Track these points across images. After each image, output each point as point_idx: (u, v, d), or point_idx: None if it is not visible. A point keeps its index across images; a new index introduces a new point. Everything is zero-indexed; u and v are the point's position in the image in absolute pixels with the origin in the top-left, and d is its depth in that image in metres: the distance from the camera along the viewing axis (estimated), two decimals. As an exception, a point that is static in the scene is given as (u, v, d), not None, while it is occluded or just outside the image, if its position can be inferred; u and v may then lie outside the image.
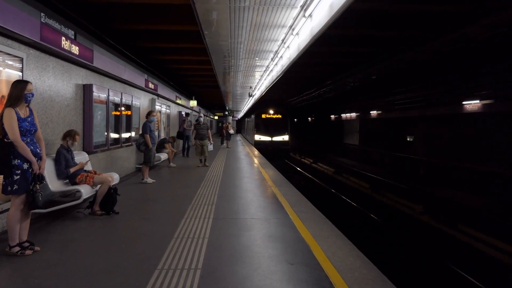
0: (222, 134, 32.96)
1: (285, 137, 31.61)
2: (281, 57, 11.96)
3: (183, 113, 22.78)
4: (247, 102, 34.83)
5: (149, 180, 10.15)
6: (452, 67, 15.99)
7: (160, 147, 14.46)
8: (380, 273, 4.24)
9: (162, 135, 16.83)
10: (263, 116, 32.24)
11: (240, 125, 71.58)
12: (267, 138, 31.13)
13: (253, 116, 34.88)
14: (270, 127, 31.33)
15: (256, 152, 23.70)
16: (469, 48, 12.10)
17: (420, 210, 13.70)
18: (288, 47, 10.41)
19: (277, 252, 4.90)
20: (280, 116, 32.21)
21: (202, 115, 15.35)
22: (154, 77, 15.54)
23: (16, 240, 4.57)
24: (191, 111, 26.71)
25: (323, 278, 4.03)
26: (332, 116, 43.15)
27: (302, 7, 7.31)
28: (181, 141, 18.74)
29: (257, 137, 31.56)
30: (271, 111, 32.16)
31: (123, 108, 11.04)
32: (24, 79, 5.61)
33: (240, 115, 61.47)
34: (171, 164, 14.27)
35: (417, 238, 10.92)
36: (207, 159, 14.60)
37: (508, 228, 10.80)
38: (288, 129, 31.99)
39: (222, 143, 29.94)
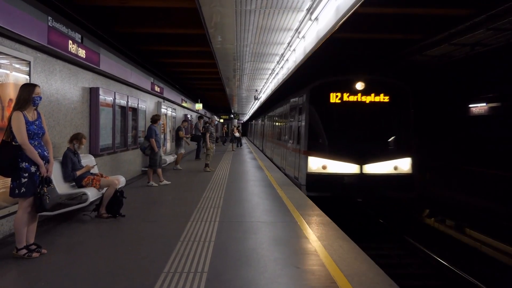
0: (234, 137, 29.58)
1: (403, 164, 10.38)
2: (286, 60, 11.96)
3: (189, 115, 22.80)
4: (252, 105, 34.38)
5: (154, 183, 10.16)
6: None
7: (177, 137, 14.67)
8: (387, 277, 4.21)
9: (168, 138, 16.85)
10: (335, 98, 10.57)
11: (247, 128, 63.00)
12: (349, 168, 10.12)
13: (293, 101, 13.65)
14: (355, 134, 10.52)
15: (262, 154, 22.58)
16: None
17: None
18: (294, 50, 10.40)
19: (284, 255, 4.88)
20: (388, 100, 10.62)
21: (216, 118, 15.22)
22: (160, 80, 15.60)
23: (23, 243, 4.58)
24: (197, 114, 26.79)
25: (329, 282, 4.01)
26: None
27: (308, 10, 7.31)
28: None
29: (315, 162, 10.41)
30: (360, 85, 10.50)
31: (129, 111, 11.08)
32: (32, 82, 5.64)
33: (246, 117, 59.93)
34: (178, 166, 14.29)
35: None
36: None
37: None
38: (411, 138, 10.89)
39: (237, 145, 29.42)
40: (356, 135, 10.34)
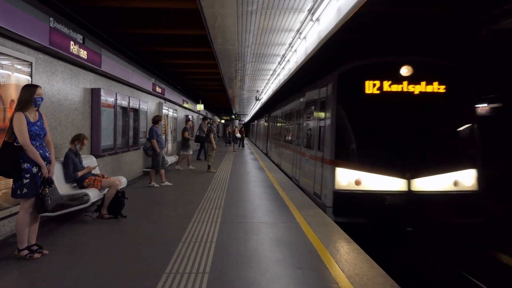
0: (242, 137, 30.97)
1: (465, 177, 7.61)
2: (288, 60, 11.97)
3: (190, 116, 22.79)
4: (253, 105, 34.41)
5: (156, 184, 10.16)
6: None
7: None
8: (388, 277, 4.21)
9: (170, 139, 16.85)
10: (372, 87, 7.82)
11: (248, 128, 60.23)
12: (392, 184, 7.45)
13: (311, 94, 10.60)
14: (400, 137, 7.77)
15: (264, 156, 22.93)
16: None
17: None
18: (295, 50, 10.41)
19: (285, 256, 4.88)
20: (444, 90, 7.83)
21: (217, 119, 15.11)
22: (161, 81, 15.62)
23: (25, 244, 4.59)
24: (199, 115, 26.83)
25: (331, 283, 4.00)
26: None
27: (309, 11, 7.31)
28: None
29: (346, 176, 7.62)
30: (406, 70, 7.78)
31: (130, 112, 11.10)
32: (33, 83, 5.65)
33: (247, 118, 59.73)
34: (190, 166, 14.39)
35: None
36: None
37: None
38: (475, 142, 7.92)
39: (239, 145, 30.25)
40: (401, 138, 7.70)
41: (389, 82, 7.74)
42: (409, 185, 7.35)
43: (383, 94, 7.72)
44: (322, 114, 8.93)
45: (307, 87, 11.27)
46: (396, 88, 7.76)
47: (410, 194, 7.32)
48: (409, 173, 7.36)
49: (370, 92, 7.74)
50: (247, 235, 5.77)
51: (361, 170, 7.47)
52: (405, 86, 7.75)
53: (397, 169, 7.37)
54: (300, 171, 11.20)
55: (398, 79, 7.75)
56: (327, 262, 4.60)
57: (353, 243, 5.49)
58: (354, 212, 7.43)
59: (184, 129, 14.62)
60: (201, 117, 27.52)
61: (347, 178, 7.53)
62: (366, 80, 7.74)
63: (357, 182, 7.46)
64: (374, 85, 7.74)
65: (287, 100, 15.95)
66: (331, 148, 7.92)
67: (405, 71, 7.75)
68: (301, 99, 11.93)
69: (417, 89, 7.76)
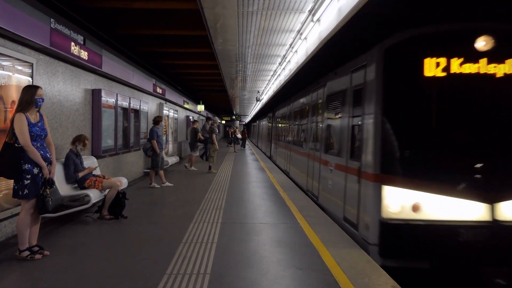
0: (244, 138, 32.29)
1: None
2: (289, 61, 11.96)
3: (190, 117, 22.80)
4: (254, 106, 34.44)
5: (156, 185, 10.16)
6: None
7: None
8: (390, 278, 4.21)
9: (170, 140, 16.85)
10: (434, 67, 5.23)
11: (249, 129, 57.30)
12: (468, 210, 4.99)
13: (337, 82, 7.54)
14: (478, 141, 5.18)
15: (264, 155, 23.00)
16: None
17: None
18: (296, 51, 10.41)
19: (286, 257, 4.88)
20: None
21: (217, 119, 15.10)
22: (162, 82, 15.62)
23: (26, 244, 4.59)
24: (198, 115, 26.85)
25: (332, 284, 4.00)
26: None
27: (310, 11, 7.31)
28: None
29: (398, 198, 5.10)
30: (485, 42, 5.19)
31: (131, 113, 11.09)
32: (34, 84, 5.65)
33: (248, 119, 59.40)
34: (193, 168, 14.40)
35: None
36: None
37: None
38: None
39: (241, 145, 31.32)
40: (479, 142, 5.25)
41: (460, 60, 5.33)
42: (493, 211, 5.04)
43: (451, 78, 5.31)
44: (356, 109, 6.29)
45: (329, 74, 8.41)
46: (469, 68, 5.34)
47: (495, 226, 5.01)
48: (493, 195, 5.06)
49: (431, 74, 5.33)
50: (248, 236, 5.77)
51: (420, 190, 5.14)
52: (482, 66, 5.33)
53: (475, 188, 5.08)
54: (320, 184, 8.44)
55: (473, 56, 5.34)
56: (328, 263, 4.59)
57: (354, 244, 5.48)
58: (411, 253, 5.08)
59: (196, 130, 14.52)
60: (201, 118, 27.58)
61: (400, 201, 5.16)
62: (426, 57, 5.35)
63: (415, 208, 5.13)
64: (438, 64, 5.33)
65: (298, 94, 12.83)
66: (375, 156, 5.39)
67: (482, 43, 5.30)
68: (320, 91, 9.10)
69: (500, 70, 5.31)
